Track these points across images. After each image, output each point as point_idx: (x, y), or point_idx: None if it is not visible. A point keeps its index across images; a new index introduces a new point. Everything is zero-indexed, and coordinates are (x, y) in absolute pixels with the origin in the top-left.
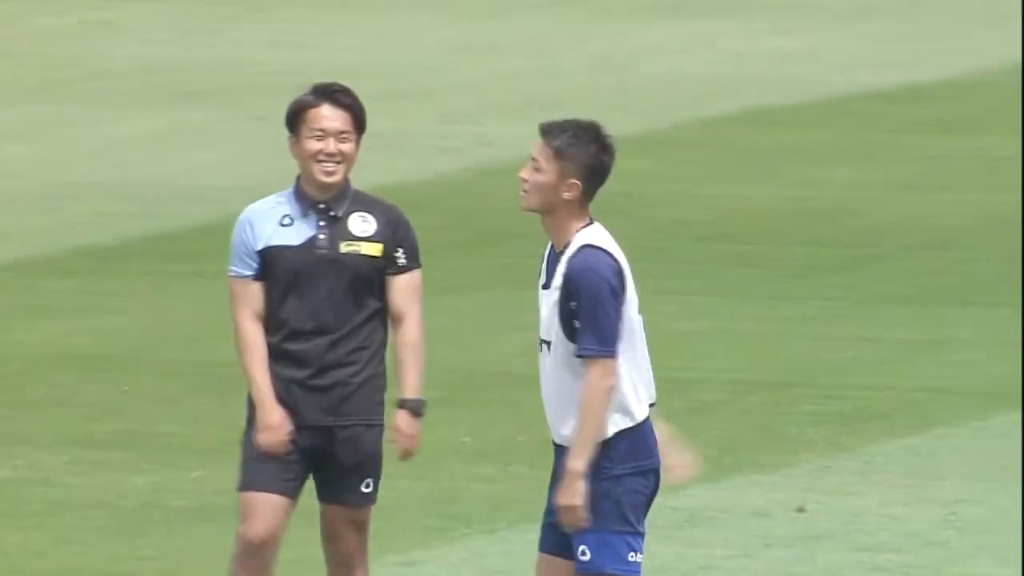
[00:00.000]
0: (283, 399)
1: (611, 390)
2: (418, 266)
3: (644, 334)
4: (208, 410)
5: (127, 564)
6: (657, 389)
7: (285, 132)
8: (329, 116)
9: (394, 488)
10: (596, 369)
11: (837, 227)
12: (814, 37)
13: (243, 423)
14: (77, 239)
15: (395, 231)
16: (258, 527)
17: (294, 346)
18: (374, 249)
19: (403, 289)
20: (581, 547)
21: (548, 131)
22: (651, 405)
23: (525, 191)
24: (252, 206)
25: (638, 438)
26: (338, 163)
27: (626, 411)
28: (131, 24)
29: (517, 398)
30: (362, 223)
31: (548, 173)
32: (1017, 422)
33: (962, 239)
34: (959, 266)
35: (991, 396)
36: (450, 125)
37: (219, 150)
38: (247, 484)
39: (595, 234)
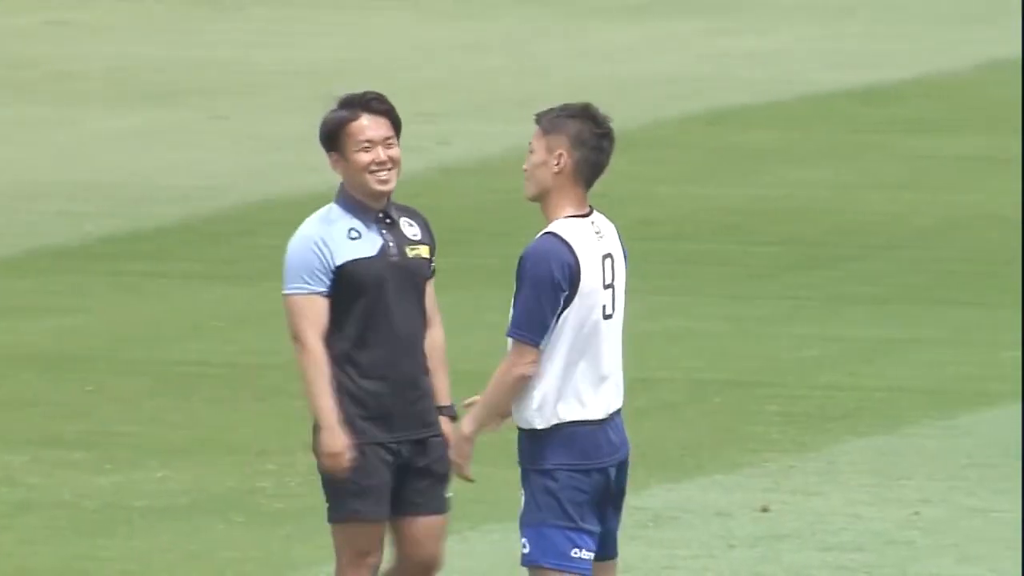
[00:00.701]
0: (372, 416)
1: (522, 378)
2: None
3: (613, 338)
4: (171, 410)
5: (90, 564)
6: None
7: (248, 130)
8: (371, 125)
9: None
10: (515, 353)
11: (803, 227)
12: (786, 37)
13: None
14: (40, 239)
15: (431, 234)
16: (379, 556)
17: (380, 358)
18: (426, 251)
19: (431, 293)
20: (522, 539)
21: (539, 116)
22: (616, 412)
23: (526, 180)
24: (311, 224)
25: (576, 437)
26: (389, 170)
27: (562, 408)
28: (95, 24)
29: None
30: (411, 227)
31: (538, 151)
32: (979, 422)
33: (928, 239)
34: (925, 266)
35: (956, 396)
36: (416, 124)
37: (182, 150)
38: (359, 512)
39: (569, 225)
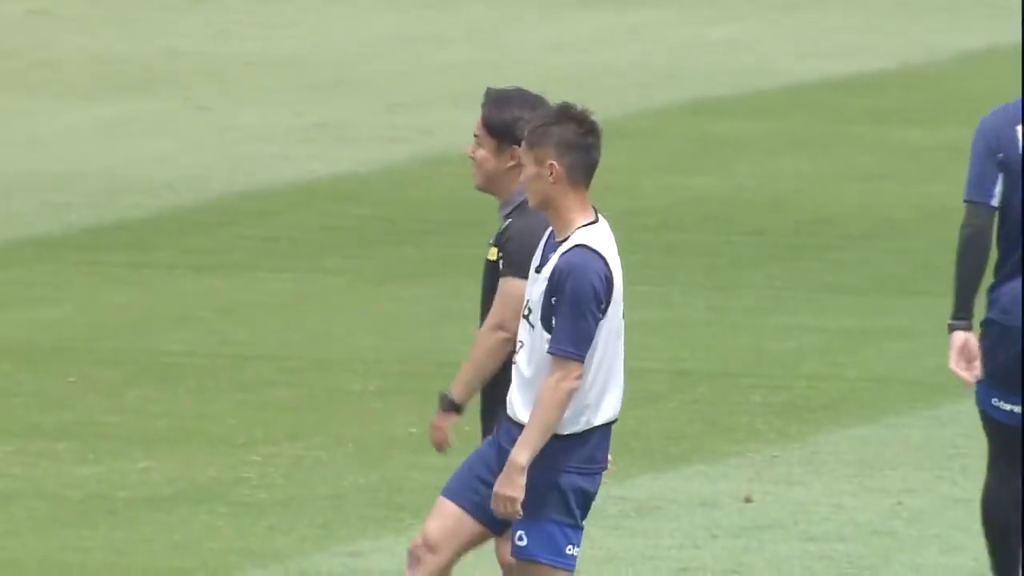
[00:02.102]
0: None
1: (571, 393)
2: (512, 275)
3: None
4: (154, 401)
5: (73, 554)
6: None
7: (229, 121)
8: (477, 122)
9: (340, 479)
10: (561, 370)
11: (784, 217)
12: (764, 27)
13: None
14: (22, 230)
15: (506, 239)
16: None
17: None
18: (493, 254)
19: (498, 292)
20: (519, 532)
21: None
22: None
23: (527, 193)
24: None
25: (598, 441)
26: (476, 166)
27: (592, 415)
28: (74, 14)
29: None
30: (499, 228)
31: (528, 166)
32: (962, 412)
33: (909, 229)
34: (907, 255)
35: (939, 385)
36: (395, 115)
37: (163, 140)
38: None
39: (595, 235)
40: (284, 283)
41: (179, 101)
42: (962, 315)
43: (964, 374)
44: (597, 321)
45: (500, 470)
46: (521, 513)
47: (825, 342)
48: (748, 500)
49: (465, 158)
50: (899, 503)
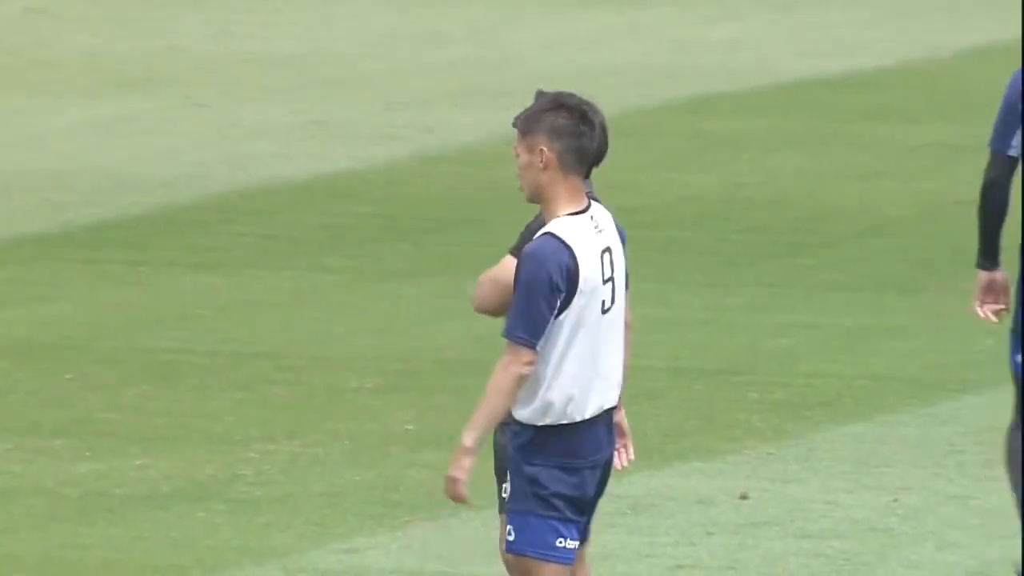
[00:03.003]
0: None
1: (520, 378)
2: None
3: (611, 333)
4: (153, 398)
5: (71, 551)
6: None
7: (228, 119)
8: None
9: (337, 475)
10: (510, 354)
11: (780, 214)
12: (760, 24)
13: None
14: (21, 227)
15: (519, 242)
16: None
17: None
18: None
19: None
20: (508, 527)
21: (515, 119)
22: (610, 408)
23: (521, 184)
24: None
25: (571, 438)
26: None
27: (560, 408)
28: (73, 13)
29: (461, 385)
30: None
31: (522, 154)
32: (959, 409)
33: (907, 227)
34: (902, 253)
35: (935, 383)
36: (394, 113)
37: (163, 138)
38: None
39: (567, 224)
40: (283, 281)
41: (178, 99)
42: (987, 261)
43: (984, 311)
44: (552, 309)
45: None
46: (465, 496)
47: (822, 340)
48: (744, 497)
49: (467, 155)
50: (895, 500)
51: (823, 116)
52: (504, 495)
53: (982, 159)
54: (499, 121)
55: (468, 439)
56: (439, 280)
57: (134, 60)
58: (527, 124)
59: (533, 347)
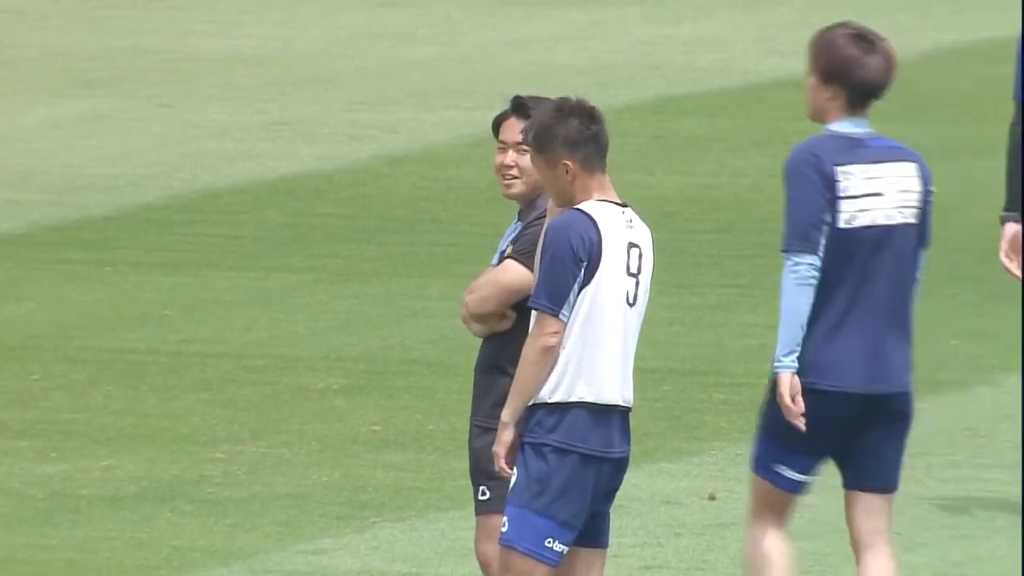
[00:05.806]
0: None
1: (547, 349)
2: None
3: (633, 330)
4: (118, 399)
5: (36, 552)
6: None
7: (192, 119)
8: (512, 128)
9: (304, 476)
10: (537, 325)
11: (746, 215)
12: (725, 24)
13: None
14: None
15: (517, 239)
16: None
17: None
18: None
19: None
20: (504, 517)
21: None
22: (626, 410)
23: (549, 194)
24: None
25: (583, 419)
26: (516, 177)
27: (578, 386)
28: (36, 11)
29: (426, 385)
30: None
31: (543, 171)
32: (924, 410)
33: None
34: None
35: None
36: (359, 113)
37: (127, 138)
38: None
39: (597, 204)
40: (248, 281)
41: (143, 99)
42: (1011, 208)
43: (1012, 267)
44: (575, 278)
45: None
46: (505, 470)
47: None
48: (712, 498)
49: (431, 155)
50: None
51: (789, 116)
52: (481, 497)
53: (953, 160)
54: (464, 121)
55: (505, 414)
56: (404, 280)
57: (99, 60)
58: (541, 141)
59: (556, 315)
